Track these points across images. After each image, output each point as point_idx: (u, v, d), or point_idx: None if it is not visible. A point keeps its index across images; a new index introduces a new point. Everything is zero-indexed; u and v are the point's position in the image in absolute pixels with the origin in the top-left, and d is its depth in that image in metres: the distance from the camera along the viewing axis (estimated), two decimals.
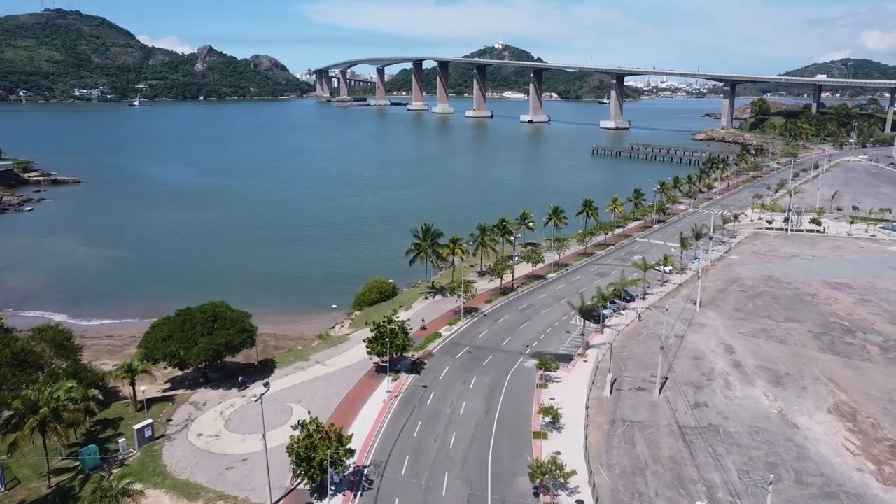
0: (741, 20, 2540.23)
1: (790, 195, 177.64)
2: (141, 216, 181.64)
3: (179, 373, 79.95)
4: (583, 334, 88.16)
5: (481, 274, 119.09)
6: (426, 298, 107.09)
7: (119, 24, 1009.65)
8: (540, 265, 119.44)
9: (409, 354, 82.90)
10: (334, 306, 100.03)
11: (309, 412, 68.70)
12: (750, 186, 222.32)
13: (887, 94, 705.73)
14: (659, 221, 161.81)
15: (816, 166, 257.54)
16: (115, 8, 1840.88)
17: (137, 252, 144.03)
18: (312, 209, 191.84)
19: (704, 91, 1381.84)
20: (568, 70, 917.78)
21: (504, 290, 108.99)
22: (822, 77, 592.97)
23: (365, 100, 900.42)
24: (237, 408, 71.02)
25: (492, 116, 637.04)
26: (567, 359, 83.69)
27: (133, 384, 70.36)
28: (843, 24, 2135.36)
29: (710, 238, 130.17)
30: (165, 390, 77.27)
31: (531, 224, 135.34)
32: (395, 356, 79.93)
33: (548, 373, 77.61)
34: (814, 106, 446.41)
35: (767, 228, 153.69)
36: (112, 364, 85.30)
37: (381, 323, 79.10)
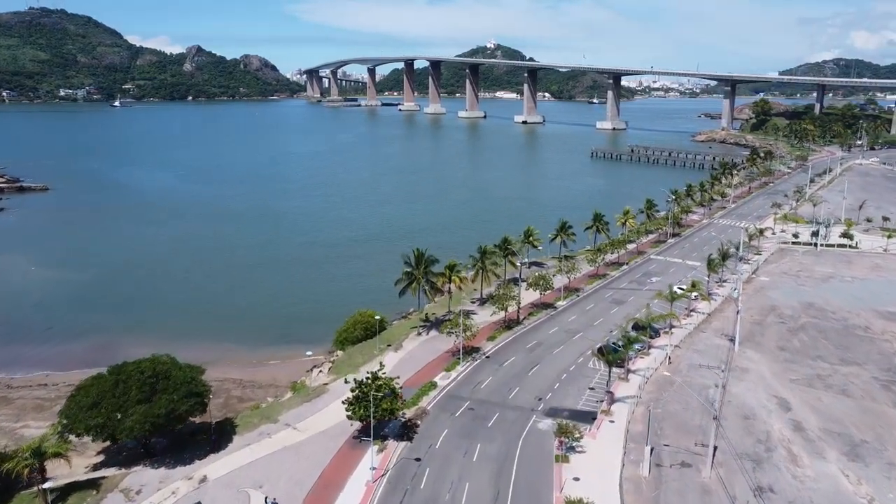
0: (732, 20, 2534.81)
1: (813, 205, 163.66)
2: (107, 231, 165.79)
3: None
4: (607, 388, 73.37)
5: (482, 302, 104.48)
6: (419, 334, 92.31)
7: (106, 23, 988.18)
8: (547, 291, 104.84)
9: (399, 411, 68.13)
10: (309, 353, 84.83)
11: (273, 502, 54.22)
12: (763, 193, 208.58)
13: (880, 94, 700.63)
14: (673, 235, 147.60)
15: (829, 170, 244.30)
16: (102, 7, 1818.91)
17: (96, 275, 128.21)
18: (295, 226, 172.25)
19: (697, 91, 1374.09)
20: (560, 70, 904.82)
21: (508, 324, 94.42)
22: (827, 76, 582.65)
23: (356, 100, 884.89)
24: (180, 497, 56.09)
25: (485, 117, 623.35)
26: (589, 418, 69.18)
27: (43, 471, 55.19)
28: (832, 24, 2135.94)
29: (740, 259, 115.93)
30: (95, 466, 62.18)
31: (536, 242, 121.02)
32: (381, 419, 65.18)
33: (568, 441, 62.97)
34: (817, 107, 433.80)
35: (794, 243, 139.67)
36: (38, 425, 70.46)
37: (364, 381, 64.32)
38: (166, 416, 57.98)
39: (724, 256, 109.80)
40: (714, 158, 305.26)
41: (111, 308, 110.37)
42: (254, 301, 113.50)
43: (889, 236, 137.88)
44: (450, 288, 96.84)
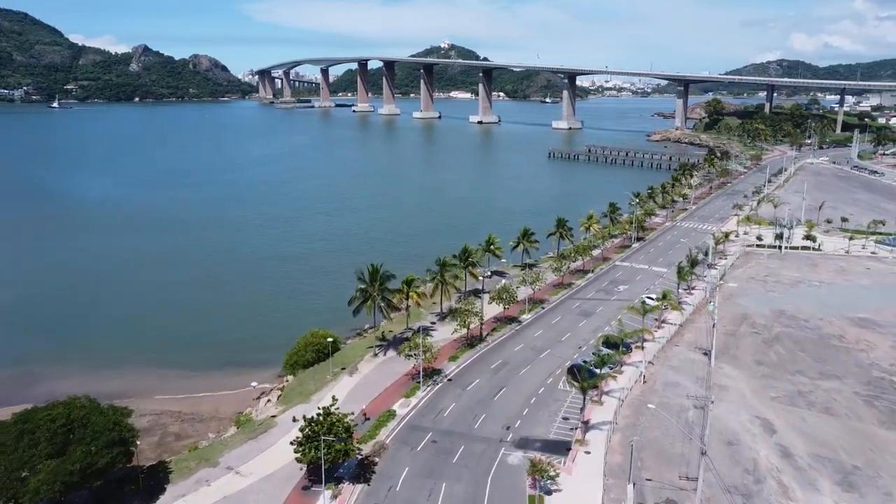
0: (680, 22, 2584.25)
1: (774, 206, 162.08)
2: (33, 245, 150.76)
3: None
4: (582, 417, 67.74)
5: (442, 317, 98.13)
6: (375, 355, 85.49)
7: (45, 20, 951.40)
8: (511, 305, 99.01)
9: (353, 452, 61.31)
10: (254, 384, 77.02)
11: None
12: (723, 194, 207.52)
13: (821, 94, 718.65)
14: (638, 239, 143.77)
15: (784, 170, 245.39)
16: (40, 4, 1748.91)
17: (18, 296, 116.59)
18: (244, 238, 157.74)
19: (649, 90, 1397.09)
20: (515, 69, 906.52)
21: (471, 341, 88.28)
22: (771, 76, 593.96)
23: (309, 101, 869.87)
24: None
25: (440, 117, 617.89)
26: (563, 448, 63.49)
27: None
28: (774, 26, 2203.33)
29: (709, 265, 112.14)
30: None
31: (498, 251, 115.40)
32: (334, 460, 58.27)
33: (542, 479, 57.01)
34: (767, 106, 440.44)
35: (758, 246, 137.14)
36: None
37: (315, 418, 57.36)
38: (82, 473, 49.95)
39: (693, 263, 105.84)
40: (671, 158, 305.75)
41: (33, 333, 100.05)
42: (198, 322, 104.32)
43: (851, 238, 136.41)
44: (408, 305, 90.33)
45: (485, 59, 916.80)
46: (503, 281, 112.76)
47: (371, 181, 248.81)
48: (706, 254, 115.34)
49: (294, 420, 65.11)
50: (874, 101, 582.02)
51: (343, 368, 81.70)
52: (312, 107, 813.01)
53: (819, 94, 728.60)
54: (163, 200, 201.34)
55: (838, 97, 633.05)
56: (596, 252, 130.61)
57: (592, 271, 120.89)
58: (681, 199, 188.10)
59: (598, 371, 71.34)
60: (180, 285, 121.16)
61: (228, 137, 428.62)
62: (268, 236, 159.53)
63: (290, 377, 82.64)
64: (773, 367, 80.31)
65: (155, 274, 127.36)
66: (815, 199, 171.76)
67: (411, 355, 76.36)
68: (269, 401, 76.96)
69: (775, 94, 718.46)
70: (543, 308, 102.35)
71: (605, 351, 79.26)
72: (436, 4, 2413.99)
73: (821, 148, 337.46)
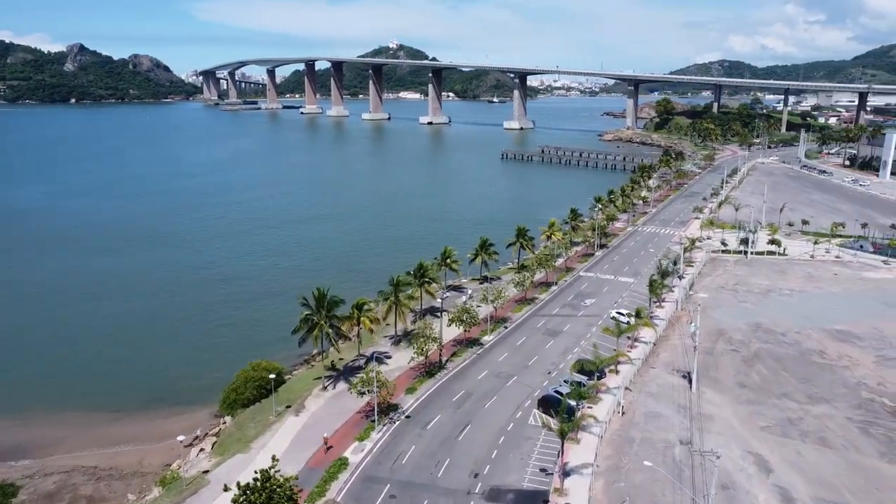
0: (624, 22, 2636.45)
1: (735, 209, 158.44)
2: None
3: None
4: (559, 461, 60.16)
5: (396, 341, 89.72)
6: (324, 389, 76.53)
7: None
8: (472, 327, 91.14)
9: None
10: (180, 438, 66.89)
11: None
12: (681, 196, 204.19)
13: (760, 93, 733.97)
14: (601, 246, 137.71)
15: (737, 170, 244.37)
16: None
17: None
18: (181, 256, 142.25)
19: (597, 90, 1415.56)
20: (464, 69, 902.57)
21: (430, 369, 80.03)
22: (714, 76, 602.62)
23: (255, 103, 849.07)
24: None
25: (389, 119, 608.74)
26: (539, 500, 55.92)
27: None
28: (713, 28, 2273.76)
29: (680, 277, 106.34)
30: None
31: (454, 265, 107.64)
32: None
33: None
34: (715, 106, 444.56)
35: (723, 251, 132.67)
36: None
37: (252, 485, 48.29)
38: None
39: (664, 275, 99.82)
40: (624, 159, 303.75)
41: None
42: (125, 355, 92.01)
43: (816, 242, 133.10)
44: (359, 331, 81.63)
45: (433, 59, 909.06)
46: (462, 297, 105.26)
47: (321, 189, 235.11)
48: (675, 263, 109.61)
49: (226, 489, 55.60)
50: (811, 101, 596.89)
51: (288, 406, 72.53)
52: (259, 108, 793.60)
53: (759, 94, 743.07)
54: (94, 213, 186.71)
55: (778, 97, 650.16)
56: (559, 261, 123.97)
57: (556, 283, 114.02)
58: (640, 201, 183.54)
59: (573, 404, 64.09)
60: (108, 313, 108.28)
61: (171, 141, 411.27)
62: (209, 254, 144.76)
63: (227, 419, 73.04)
64: (758, 390, 74.39)
65: (78, 300, 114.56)
66: (771, 201, 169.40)
67: (364, 392, 67.71)
68: (202, 450, 67.18)
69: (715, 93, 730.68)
70: (506, 327, 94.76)
71: (580, 378, 72.30)
72: (383, 4, 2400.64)
73: (769, 147, 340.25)
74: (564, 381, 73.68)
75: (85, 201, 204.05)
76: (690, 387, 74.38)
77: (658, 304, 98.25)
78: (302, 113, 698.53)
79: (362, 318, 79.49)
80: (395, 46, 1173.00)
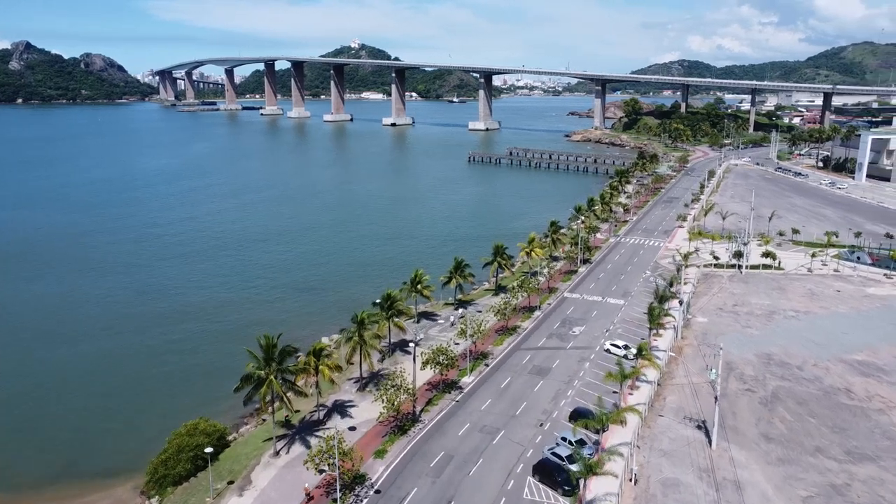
0: (585, 23, 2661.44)
1: (722, 217, 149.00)
2: None
3: None
4: None
5: (362, 386, 77.05)
6: (276, 454, 63.42)
7: None
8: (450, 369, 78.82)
9: None
10: None
11: None
12: (660, 201, 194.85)
13: (720, 93, 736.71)
14: (584, 261, 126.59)
15: (713, 173, 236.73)
16: None
17: None
18: (113, 283, 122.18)
19: (560, 89, 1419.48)
20: (427, 69, 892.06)
21: (402, 424, 67.53)
22: (674, 76, 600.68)
23: (214, 104, 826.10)
24: None
25: (352, 120, 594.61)
26: None
27: None
28: (672, 28, 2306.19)
29: (681, 302, 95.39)
30: None
31: (426, 291, 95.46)
32: None
33: None
34: (683, 105, 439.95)
35: (716, 266, 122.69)
36: None
37: None
38: None
39: (662, 299, 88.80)
40: (595, 160, 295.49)
41: None
42: (29, 414, 76.92)
43: (813, 255, 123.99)
44: (317, 382, 68.74)
45: (396, 58, 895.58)
46: (435, 326, 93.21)
47: (281, 202, 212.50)
48: (671, 285, 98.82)
49: None
50: (773, 101, 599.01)
51: (231, 482, 59.39)
52: (218, 109, 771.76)
53: (719, 94, 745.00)
54: (18, 229, 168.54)
55: (739, 97, 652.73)
56: (541, 280, 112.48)
57: (539, 308, 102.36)
58: (620, 209, 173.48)
59: (575, 469, 52.71)
60: (15, 357, 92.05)
61: (124, 144, 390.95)
62: (151, 282, 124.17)
63: (154, 501, 59.44)
64: (786, 443, 63.53)
65: None
66: (754, 206, 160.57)
67: (324, 469, 54.99)
68: None
69: (676, 93, 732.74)
70: (487, 365, 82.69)
71: (580, 435, 60.81)
72: (345, 4, 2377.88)
73: (739, 148, 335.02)
74: (563, 440, 62.06)
75: (20, 214, 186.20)
76: (709, 442, 63.22)
77: (656, 332, 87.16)
78: (262, 114, 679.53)
79: (321, 367, 66.55)
80: (356, 46, 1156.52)
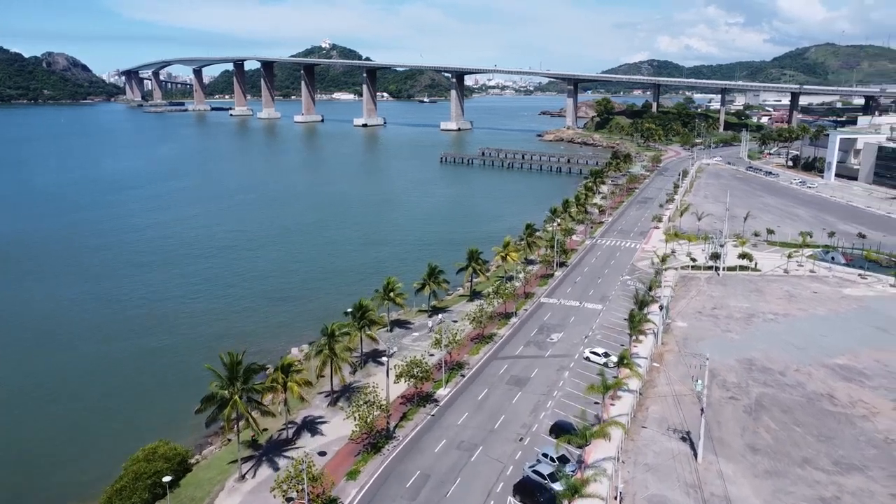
0: (557, 23, 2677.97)
1: (698, 218, 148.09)
2: None
3: None
4: None
5: (334, 400, 73.66)
6: (242, 478, 59.81)
7: None
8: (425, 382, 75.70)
9: None
10: None
11: None
12: (635, 202, 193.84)
13: (688, 92, 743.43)
14: (561, 265, 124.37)
15: (685, 173, 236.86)
16: None
17: None
18: (74, 292, 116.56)
19: (531, 89, 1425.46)
20: (398, 69, 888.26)
21: (375, 442, 64.34)
22: (644, 75, 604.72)
23: (182, 104, 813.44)
24: None
25: (323, 121, 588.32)
26: None
27: None
28: (642, 29, 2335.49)
29: (661, 307, 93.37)
30: None
31: (399, 299, 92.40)
32: None
33: None
34: (654, 105, 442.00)
35: (693, 268, 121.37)
36: None
37: None
38: None
39: (642, 305, 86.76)
40: (569, 161, 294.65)
41: None
42: None
43: (789, 256, 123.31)
44: (285, 399, 65.22)
45: (367, 58, 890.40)
46: (409, 334, 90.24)
47: (252, 204, 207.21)
48: (651, 289, 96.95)
49: None
50: (741, 100, 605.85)
51: None
52: (186, 110, 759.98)
53: (688, 93, 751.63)
54: None
55: (707, 96, 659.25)
56: (517, 285, 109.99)
57: (515, 314, 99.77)
58: (595, 210, 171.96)
59: (558, 489, 50.23)
60: None
61: (88, 147, 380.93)
62: (113, 293, 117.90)
63: None
64: (773, 455, 61.63)
65: None
66: (725, 205, 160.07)
67: (291, 497, 51.64)
68: None
69: (646, 93, 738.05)
70: (463, 376, 79.76)
71: (563, 450, 58.20)
72: (316, 4, 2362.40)
73: (710, 147, 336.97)
74: (544, 456, 59.42)
75: None
76: (695, 455, 61.07)
77: (636, 339, 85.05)
78: (231, 115, 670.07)
79: (290, 384, 63.07)
80: (327, 46, 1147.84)
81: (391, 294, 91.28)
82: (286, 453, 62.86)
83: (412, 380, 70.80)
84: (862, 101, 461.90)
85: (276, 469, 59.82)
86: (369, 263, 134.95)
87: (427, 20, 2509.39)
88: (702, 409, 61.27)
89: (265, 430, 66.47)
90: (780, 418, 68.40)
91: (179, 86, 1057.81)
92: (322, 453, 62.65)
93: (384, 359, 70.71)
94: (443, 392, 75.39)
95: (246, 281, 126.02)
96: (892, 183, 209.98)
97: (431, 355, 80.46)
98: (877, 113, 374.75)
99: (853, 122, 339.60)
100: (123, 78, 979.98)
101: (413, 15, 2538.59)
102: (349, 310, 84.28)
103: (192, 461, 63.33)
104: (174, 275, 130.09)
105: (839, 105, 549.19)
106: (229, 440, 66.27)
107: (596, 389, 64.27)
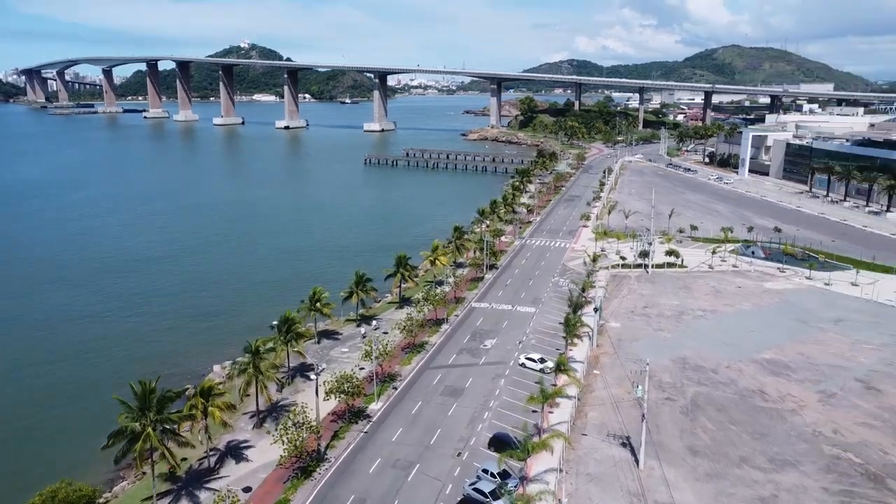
0: (477, 23, 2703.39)
1: (626, 216, 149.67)
2: None
3: None
4: None
5: (259, 422, 69.14)
6: None
7: None
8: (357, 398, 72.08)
9: None
10: None
11: None
12: (563, 201, 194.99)
13: (607, 91, 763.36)
14: (491, 267, 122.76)
15: (610, 170, 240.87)
16: None
17: None
18: None
19: (454, 88, 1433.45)
20: (320, 70, 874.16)
21: (305, 464, 60.46)
22: (564, 74, 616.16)
23: (92, 106, 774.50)
24: None
25: (243, 123, 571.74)
26: None
27: None
28: (560, 29, 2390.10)
29: (596, 309, 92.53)
30: None
31: (326, 309, 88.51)
32: None
33: None
34: (576, 104, 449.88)
35: (623, 266, 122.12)
36: None
37: None
38: None
39: (577, 308, 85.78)
40: (494, 160, 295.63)
41: None
42: None
43: (714, 252, 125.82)
44: (206, 425, 60.43)
45: (288, 59, 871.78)
46: (337, 345, 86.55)
47: (169, 213, 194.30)
48: (584, 290, 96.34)
49: None
50: (657, 99, 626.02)
51: None
52: (96, 112, 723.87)
53: (606, 92, 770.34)
54: None
55: (625, 95, 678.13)
56: (446, 290, 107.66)
57: (447, 320, 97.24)
58: (523, 209, 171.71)
59: None
60: None
61: None
62: (7, 317, 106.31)
63: None
64: (713, 456, 61.29)
65: None
66: (650, 203, 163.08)
67: None
68: None
69: (567, 91, 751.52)
70: (395, 388, 76.59)
71: (504, 465, 55.91)
72: (234, 3, 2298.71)
73: (632, 145, 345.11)
74: (484, 472, 57.02)
75: None
76: (636, 461, 60.02)
77: (571, 342, 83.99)
78: (146, 117, 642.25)
79: (211, 409, 58.39)
80: (246, 46, 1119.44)
81: (318, 305, 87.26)
82: (208, 485, 58.25)
83: (343, 396, 67.18)
84: (768, 100, 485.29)
85: (198, 503, 55.19)
86: (295, 273, 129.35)
87: (349, 20, 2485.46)
88: (643, 415, 60.28)
89: (184, 459, 61.47)
90: (715, 417, 68.40)
91: (88, 87, 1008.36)
92: (247, 489, 57.96)
93: (313, 375, 66.74)
94: (375, 406, 72.05)
95: (164, 297, 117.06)
96: (799, 178, 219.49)
97: (362, 369, 77.08)
98: (781, 111, 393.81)
99: (761, 119, 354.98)
100: (24, 77, 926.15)
101: (334, 14, 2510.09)
102: (275, 322, 79.96)
103: (101, 501, 57.63)
104: (82, 293, 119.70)
105: (747, 104, 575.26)
106: (144, 473, 60.81)
107: (536, 400, 62.38)
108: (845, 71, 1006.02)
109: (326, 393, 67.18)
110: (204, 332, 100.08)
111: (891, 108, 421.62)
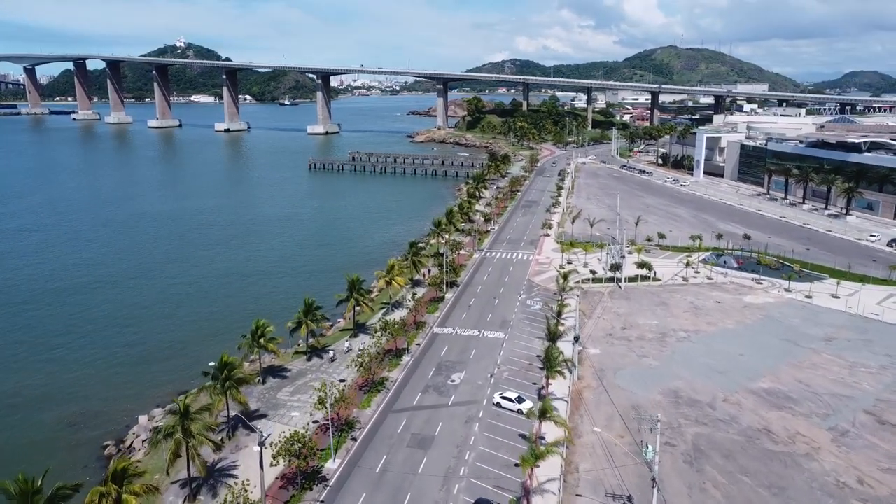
0: (418, 23, 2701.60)
1: (591, 224, 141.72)
2: None
3: None
4: None
5: (192, 494, 57.32)
6: None
7: None
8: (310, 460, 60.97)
9: None
10: None
11: None
12: (520, 207, 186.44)
13: (550, 91, 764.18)
14: (451, 284, 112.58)
15: (565, 173, 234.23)
16: None
17: None
18: None
19: (398, 88, 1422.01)
20: (261, 70, 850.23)
21: None
22: (506, 74, 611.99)
23: (14, 107, 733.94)
24: None
25: (181, 126, 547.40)
26: None
27: None
28: (500, 29, 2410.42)
29: (577, 338, 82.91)
30: None
31: (271, 345, 77.03)
32: None
33: None
34: (524, 104, 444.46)
35: (594, 281, 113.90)
36: None
37: None
38: None
39: (555, 338, 76.46)
40: (443, 163, 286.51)
41: None
42: None
43: (687, 264, 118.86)
44: None
45: (227, 59, 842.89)
46: (285, 385, 75.22)
47: (91, 230, 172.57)
48: (559, 314, 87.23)
49: None
50: (602, 99, 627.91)
51: None
52: (19, 113, 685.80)
53: (549, 91, 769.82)
54: None
55: (568, 94, 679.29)
56: (402, 313, 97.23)
57: (408, 350, 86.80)
58: (480, 217, 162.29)
59: None
60: None
61: None
62: None
63: None
64: None
65: None
66: (610, 207, 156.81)
67: None
68: None
69: (512, 91, 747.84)
70: (355, 439, 65.76)
71: None
72: (167, 2, 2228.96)
73: (582, 146, 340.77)
74: None
75: None
76: None
77: (551, 377, 74.62)
78: (74, 119, 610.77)
79: (125, 498, 46.45)
80: (182, 45, 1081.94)
81: (261, 340, 75.63)
82: None
83: (295, 460, 56.12)
84: (710, 100, 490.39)
85: None
86: (236, 300, 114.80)
87: (286, 19, 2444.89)
88: (653, 479, 51.16)
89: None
90: (724, 467, 59.98)
91: (10, 86, 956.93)
92: None
93: (255, 447, 55.29)
94: (332, 465, 61.09)
95: (81, 335, 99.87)
96: (755, 179, 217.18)
97: (316, 422, 65.94)
98: (727, 112, 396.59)
99: (708, 119, 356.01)
100: None
101: (271, 14, 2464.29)
102: (212, 364, 68.18)
103: None
104: None
105: (690, 104, 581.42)
106: None
107: (527, 462, 52.60)
108: (774, 72, 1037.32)
109: (273, 457, 55.99)
110: (128, 375, 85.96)
111: (823, 109, 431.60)
